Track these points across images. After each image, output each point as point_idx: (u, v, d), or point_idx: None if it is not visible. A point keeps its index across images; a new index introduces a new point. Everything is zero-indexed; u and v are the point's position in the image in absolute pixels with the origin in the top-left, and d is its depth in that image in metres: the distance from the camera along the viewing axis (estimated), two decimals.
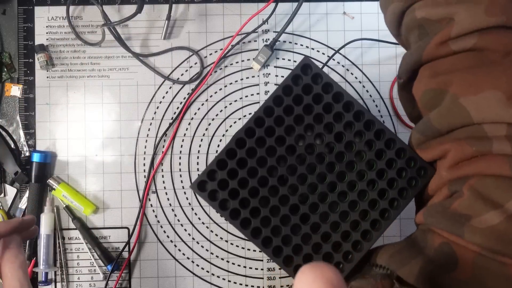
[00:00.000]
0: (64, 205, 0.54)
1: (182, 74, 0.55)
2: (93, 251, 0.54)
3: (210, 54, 0.55)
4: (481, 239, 0.27)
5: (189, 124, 0.55)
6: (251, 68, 0.55)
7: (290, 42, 0.56)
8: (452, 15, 0.30)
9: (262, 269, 0.55)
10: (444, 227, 0.29)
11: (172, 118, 0.55)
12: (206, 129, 0.55)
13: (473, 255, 0.28)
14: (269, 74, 0.55)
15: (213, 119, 0.55)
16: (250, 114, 0.55)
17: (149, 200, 0.55)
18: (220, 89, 0.55)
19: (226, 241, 0.55)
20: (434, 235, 0.31)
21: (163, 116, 0.55)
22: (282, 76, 0.56)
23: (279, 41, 0.55)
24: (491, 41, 0.29)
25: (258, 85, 0.55)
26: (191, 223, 0.55)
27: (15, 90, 0.54)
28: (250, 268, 0.54)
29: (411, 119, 0.38)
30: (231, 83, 0.55)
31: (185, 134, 0.55)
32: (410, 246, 0.32)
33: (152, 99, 0.55)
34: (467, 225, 0.28)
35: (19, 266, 0.35)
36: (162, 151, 0.55)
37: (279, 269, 0.54)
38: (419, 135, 0.34)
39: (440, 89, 0.31)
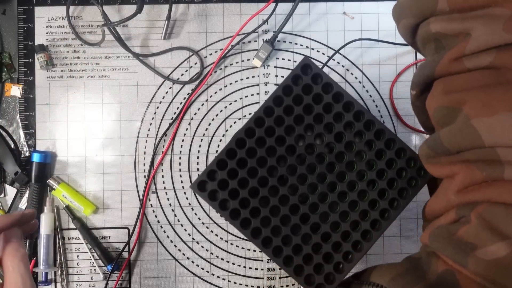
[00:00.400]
0: (64, 205, 0.54)
1: (182, 74, 0.55)
2: (93, 251, 0.54)
3: (210, 54, 0.55)
4: (485, 271, 0.26)
5: (189, 124, 0.55)
6: (251, 68, 0.55)
7: (290, 42, 0.56)
8: (469, 30, 0.28)
9: (262, 269, 0.55)
10: (449, 254, 0.29)
11: (172, 118, 0.55)
12: (206, 129, 0.55)
13: (476, 287, 0.27)
14: (269, 74, 0.55)
15: (213, 119, 0.55)
16: (250, 114, 0.55)
17: (149, 200, 0.55)
18: (220, 89, 0.55)
19: (226, 241, 0.55)
20: (438, 260, 0.30)
21: (163, 116, 0.55)
22: (282, 76, 0.56)
23: (279, 41, 0.55)
24: (509, 59, 0.27)
25: (258, 85, 0.55)
26: (191, 223, 0.55)
27: (15, 90, 0.54)
28: (250, 268, 0.54)
29: (425, 129, 0.37)
30: (231, 83, 0.55)
31: (185, 134, 0.55)
32: (413, 270, 0.31)
33: (152, 99, 0.55)
34: (472, 255, 0.27)
35: (20, 260, 0.35)
36: (162, 151, 0.55)
37: (279, 269, 0.54)
38: (429, 150, 0.32)
39: (452, 107, 0.30)
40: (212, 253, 0.54)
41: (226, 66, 0.55)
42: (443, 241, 0.29)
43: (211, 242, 0.54)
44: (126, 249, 0.54)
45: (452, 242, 0.29)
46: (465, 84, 0.29)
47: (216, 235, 0.55)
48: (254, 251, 0.54)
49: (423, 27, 0.32)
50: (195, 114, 0.55)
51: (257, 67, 0.55)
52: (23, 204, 0.54)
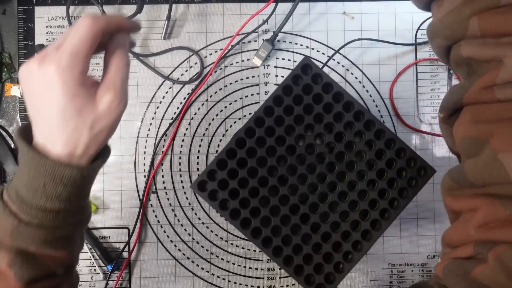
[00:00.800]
0: None
1: (182, 74, 0.55)
2: (93, 251, 0.54)
3: (210, 54, 0.55)
4: None
5: (189, 124, 0.55)
6: (251, 68, 0.55)
7: (290, 42, 0.56)
8: (501, 58, 0.27)
9: (262, 269, 0.55)
10: None
11: (172, 118, 0.55)
12: (206, 129, 0.55)
13: None
14: (269, 74, 0.55)
15: (213, 119, 0.55)
16: (250, 114, 0.55)
17: (149, 200, 0.55)
18: (220, 89, 0.55)
19: (226, 241, 0.54)
20: None
21: (163, 116, 0.55)
22: (282, 76, 0.56)
23: (279, 40, 0.55)
24: None
25: (258, 85, 0.55)
26: (191, 223, 0.55)
27: (15, 90, 0.54)
28: (250, 268, 0.54)
29: (452, 153, 0.35)
30: (231, 83, 0.55)
31: (185, 134, 0.55)
32: None
33: (152, 99, 0.55)
34: None
35: (125, 65, 0.32)
36: (162, 151, 0.55)
37: (279, 269, 0.54)
38: (452, 182, 0.31)
39: (479, 139, 0.29)
40: (212, 253, 0.54)
41: (226, 66, 0.55)
42: (457, 278, 0.28)
43: (211, 242, 0.54)
44: (126, 249, 0.54)
45: (466, 281, 0.28)
46: (494, 115, 0.28)
47: (216, 235, 0.55)
48: (254, 251, 0.54)
49: (455, 49, 0.30)
50: (195, 114, 0.55)
51: (257, 66, 0.55)
52: None
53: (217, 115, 0.55)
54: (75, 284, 0.37)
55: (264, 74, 0.55)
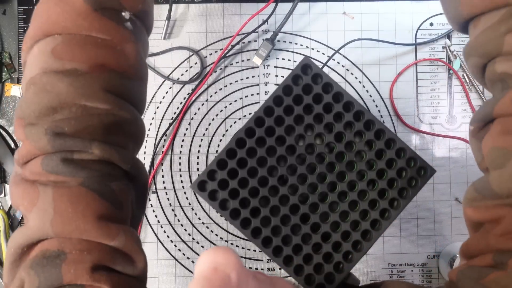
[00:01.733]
0: None
1: (182, 74, 0.55)
2: None
3: (210, 54, 0.55)
4: None
5: (189, 124, 0.55)
6: (251, 68, 0.55)
7: (290, 42, 0.56)
8: None
9: (262, 269, 0.55)
10: None
11: (172, 118, 0.55)
12: (206, 129, 0.55)
13: None
14: (269, 74, 0.55)
15: (213, 119, 0.55)
16: (250, 114, 0.55)
17: (149, 200, 0.55)
18: (220, 89, 0.55)
19: (226, 241, 0.54)
20: None
21: (163, 116, 0.55)
22: (282, 76, 0.56)
23: (279, 40, 0.55)
24: None
25: (258, 85, 0.55)
26: (191, 223, 0.55)
27: (15, 90, 0.54)
28: (250, 268, 0.54)
29: (480, 169, 0.34)
30: (231, 83, 0.55)
31: (185, 134, 0.55)
32: None
33: (152, 99, 0.55)
34: None
35: None
36: (162, 151, 0.55)
37: (279, 269, 0.54)
38: (476, 193, 0.31)
39: (507, 150, 0.28)
40: None
41: (226, 66, 0.55)
42: (470, 282, 0.28)
43: (211, 242, 0.54)
44: None
45: (478, 286, 0.27)
46: None
47: (216, 235, 0.55)
48: (254, 251, 0.54)
49: (489, 67, 0.31)
50: (195, 114, 0.55)
51: (257, 66, 0.55)
52: None
53: (217, 115, 0.55)
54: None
55: (264, 74, 0.55)
